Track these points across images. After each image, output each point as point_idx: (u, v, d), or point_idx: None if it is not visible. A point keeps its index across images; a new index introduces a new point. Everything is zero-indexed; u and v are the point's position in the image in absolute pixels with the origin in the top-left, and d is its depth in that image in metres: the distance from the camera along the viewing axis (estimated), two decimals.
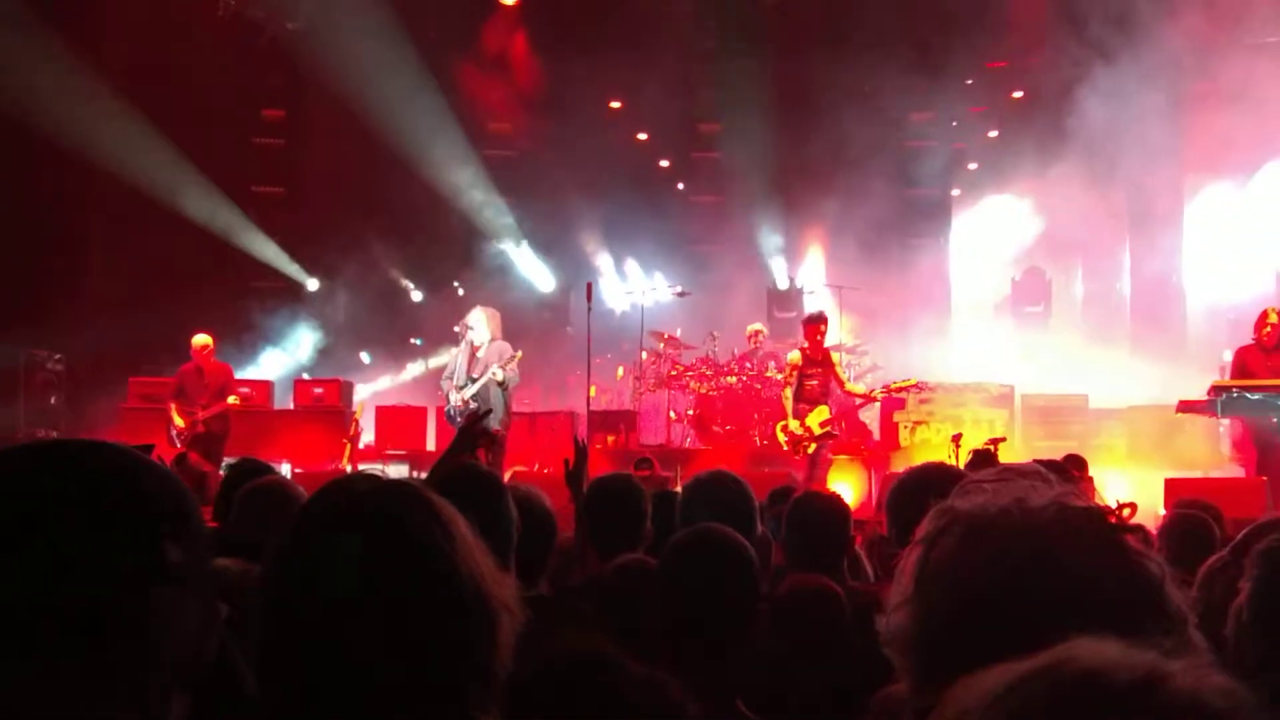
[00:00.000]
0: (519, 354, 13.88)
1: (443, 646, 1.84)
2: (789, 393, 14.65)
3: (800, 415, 14.50)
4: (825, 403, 14.53)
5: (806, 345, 14.61)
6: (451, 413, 13.95)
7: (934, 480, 3.51)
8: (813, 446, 14.41)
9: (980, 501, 1.72)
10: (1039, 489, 1.73)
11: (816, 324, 14.58)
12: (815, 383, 14.54)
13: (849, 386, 15.12)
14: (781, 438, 14.77)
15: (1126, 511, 1.72)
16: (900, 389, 15.02)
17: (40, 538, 1.61)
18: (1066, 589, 1.59)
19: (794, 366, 14.68)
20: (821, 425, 14.41)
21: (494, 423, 13.59)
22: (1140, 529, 1.69)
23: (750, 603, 3.51)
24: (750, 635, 3.46)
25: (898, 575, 1.76)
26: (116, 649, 1.63)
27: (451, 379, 14.03)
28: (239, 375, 17.08)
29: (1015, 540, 1.65)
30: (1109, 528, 1.68)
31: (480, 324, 13.89)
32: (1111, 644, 1.19)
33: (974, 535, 1.68)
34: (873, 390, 15.20)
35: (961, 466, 8.51)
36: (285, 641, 1.85)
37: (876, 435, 18.33)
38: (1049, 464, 3.60)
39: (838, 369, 15.00)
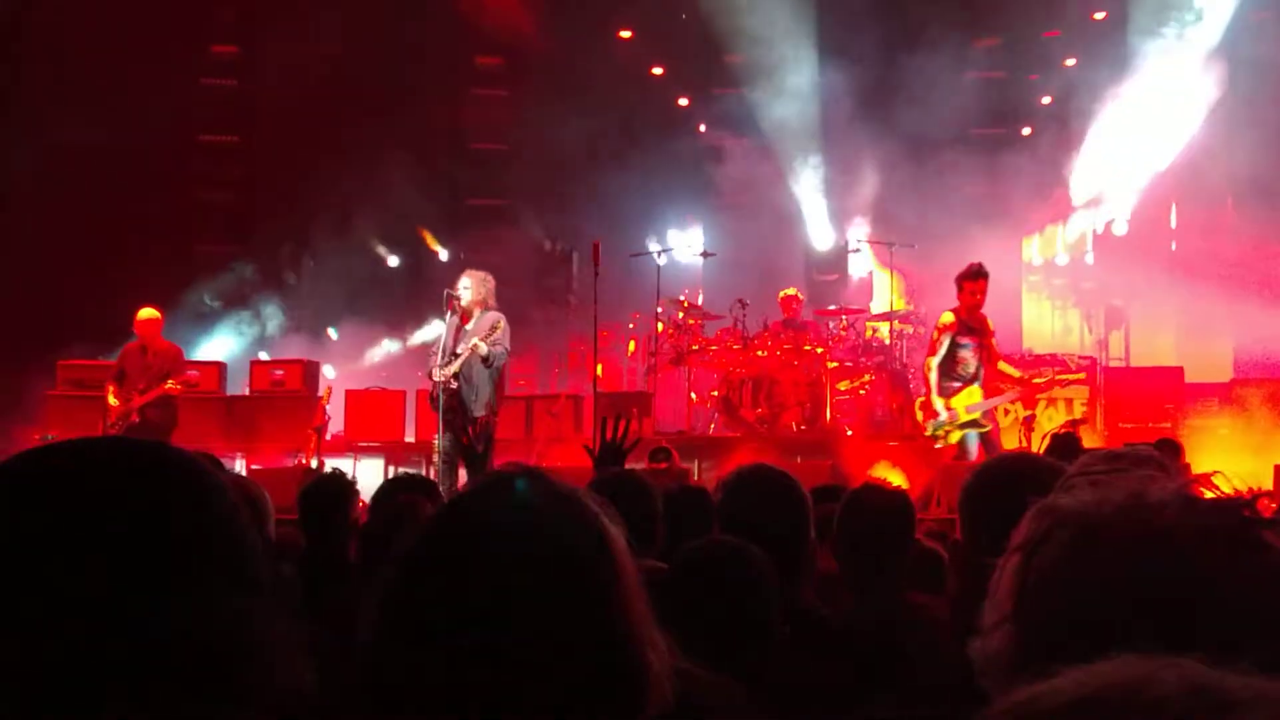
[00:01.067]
0: (500, 322, 13.73)
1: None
2: (933, 362, 13.78)
3: (947, 394, 13.69)
4: (979, 382, 13.71)
5: (959, 305, 13.72)
6: (433, 393, 13.87)
7: (1024, 473, 3.39)
8: (956, 435, 13.65)
9: (1090, 498, 1.67)
10: (1158, 480, 1.68)
11: (975, 280, 13.59)
12: (970, 354, 13.65)
13: (1002, 366, 14.00)
14: (925, 422, 14.19)
15: (1263, 502, 1.63)
16: (1069, 381, 14.05)
17: (117, 556, 1.60)
18: (1201, 599, 1.54)
19: (945, 329, 13.71)
20: (969, 410, 13.59)
21: (478, 408, 13.55)
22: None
23: (762, 637, 3.51)
24: (762, 667, 3.43)
25: (992, 590, 1.71)
26: (222, 684, 1.63)
27: (437, 354, 13.96)
28: (188, 358, 17.04)
29: (1136, 543, 1.60)
30: (1246, 523, 1.61)
31: (468, 290, 13.79)
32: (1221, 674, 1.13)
33: (1086, 539, 1.62)
34: (1030, 376, 14.15)
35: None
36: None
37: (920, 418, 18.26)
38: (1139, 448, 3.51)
39: (992, 341, 13.99)
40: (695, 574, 3.55)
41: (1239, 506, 1.63)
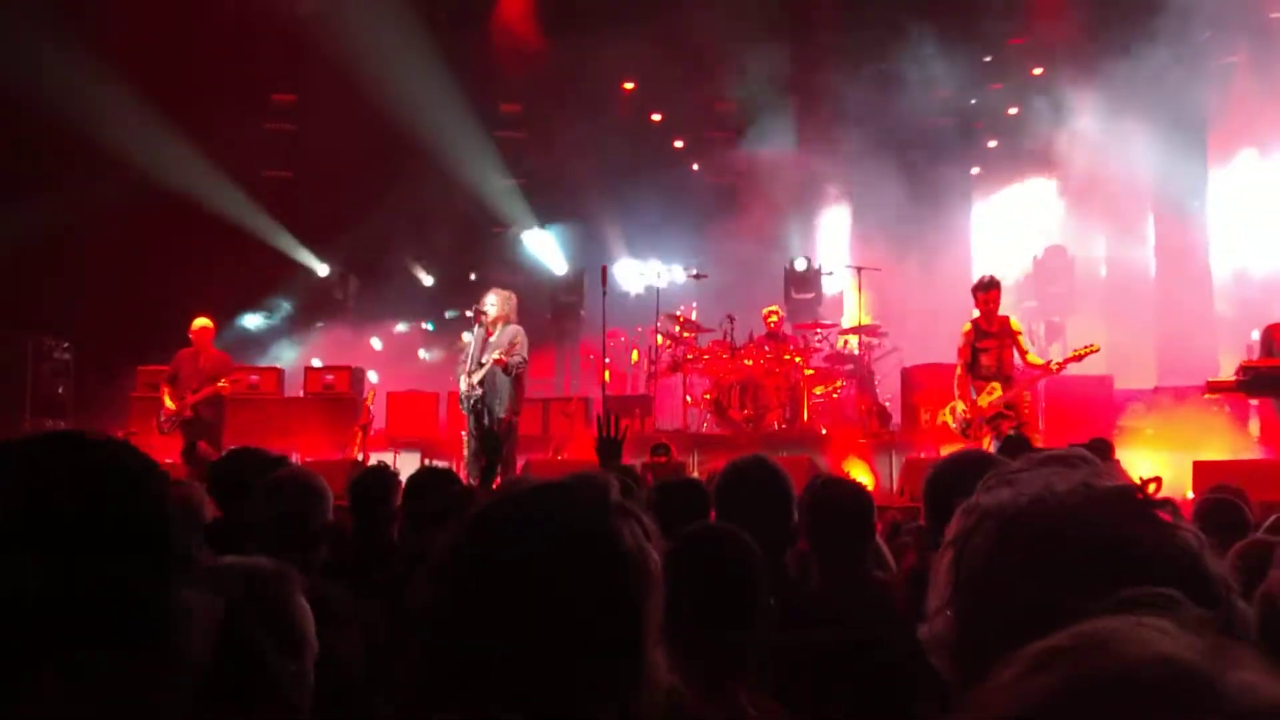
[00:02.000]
0: (520, 335, 13.81)
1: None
2: (959, 368, 13.84)
3: (967, 396, 13.68)
4: (998, 379, 13.57)
5: (977, 314, 13.70)
6: (463, 398, 13.95)
7: (973, 469, 3.40)
8: (986, 437, 13.42)
9: (1006, 495, 1.70)
10: (1063, 474, 1.71)
11: (987, 290, 13.62)
12: (988, 356, 13.60)
13: (1030, 358, 13.76)
14: (949, 420, 14.07)
15: (1153, 487, 1.69)
16: (1082, 355, 13.86)
17: (64, 535, 1.60)
18: (1106, 571, 1.56)
19: (964, 336, 13.77)
20: (991, 406, 13.51)
21: (500, 409, 13.62)
22: (1169, 502, 1.67)
23: (752, 610, 3.50)
24: (756, 637, 3.44)
25: (933, 579, 1.74)
26: (142, 653, 1.62)
27: (465, 363, 14.01)
28: (249, 364, 17.09)
29: (1047, 528, 1.63)
30: (1139, 503, 1.66)
31: (493, 307, 13.86)
32: (1148, 625, 1.12)
33: (1005, 530, 1.66)
34: (1050, 361, 13.97)
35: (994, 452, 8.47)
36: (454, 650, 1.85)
37: (897, 418, 18.28)
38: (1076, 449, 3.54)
39: (1020, 339, 13.79)
40: (694, 553, 3.50)
41: (1133, 491, 1.68)
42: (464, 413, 14.08)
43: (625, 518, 1.94)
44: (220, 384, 15.18)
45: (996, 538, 1.66)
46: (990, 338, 13.60)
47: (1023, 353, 13.63)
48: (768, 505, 4.68)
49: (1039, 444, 11.27)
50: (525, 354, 13.79)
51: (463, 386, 13.80)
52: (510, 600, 1.81)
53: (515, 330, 13.85)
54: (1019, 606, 1.58)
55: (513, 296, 14.15)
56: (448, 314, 23.91)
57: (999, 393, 13.44)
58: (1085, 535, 1.61)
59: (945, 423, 14.20)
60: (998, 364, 13.54)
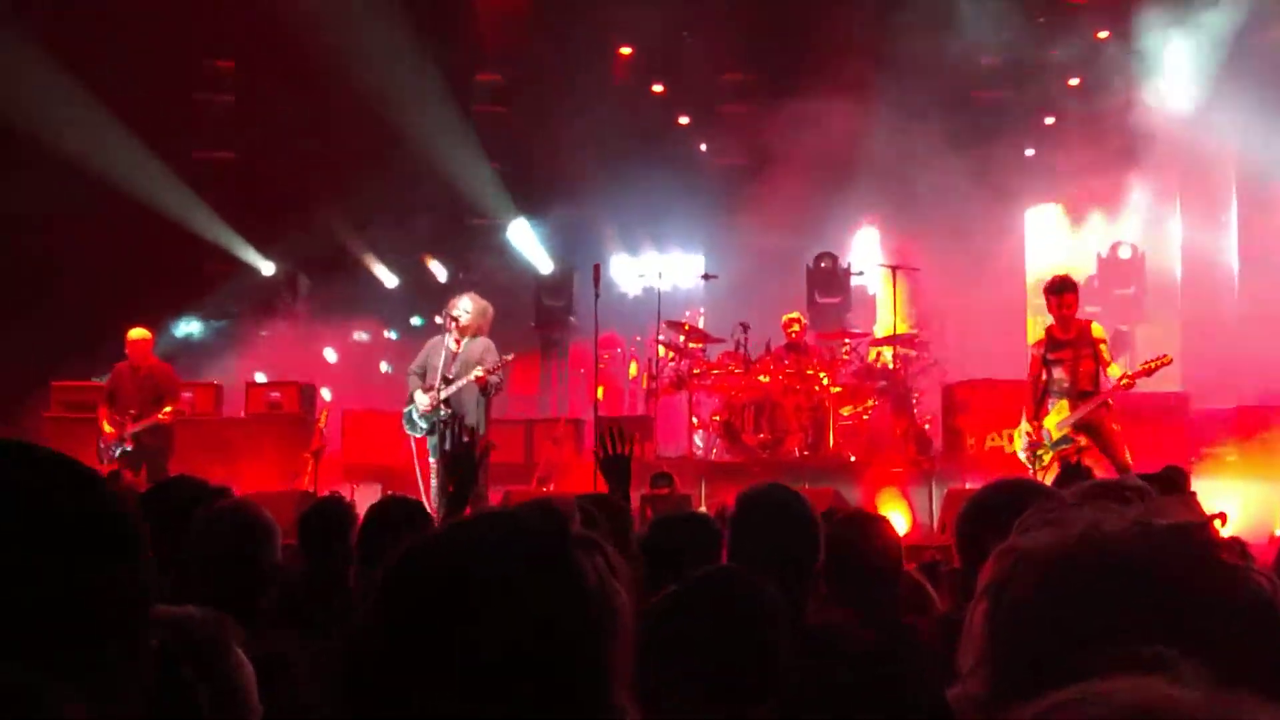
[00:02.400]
0: (493, 349, 13.88)
1: None
2: (1031, 383, 13.76)
3: (1032, 415, 13.59)
4: (1072, 396, 13.39)
5: (1052, 321, 13.63)
6: (413, 414, 13.96)
7: (1014, 501, 3.37)
8: (1048, 456, 13.38)
9: (1048, 536, 1.71)
10: (1114, 511, 1.72)
11: (1061, 293, 13.51)
12: (1063, 369, 13.48)
13: (1112, 370, 13.46)
14: (1016, 447, 14.03)
15: (1218, 523, 1.72)
16: (1153, 368, 13.17)
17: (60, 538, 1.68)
18: (1163, 623, 1.58)
19: (1034, 348, 13.75)
20: (1059, 427, 13.38)
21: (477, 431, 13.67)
22: (1238, 542, 1.69)
23: (771, 671, 3.42)
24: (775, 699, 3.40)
25: (966, 634, 1.75)
26: (121, 668, 1.69)
27: (421, 374, 14.03)
28: (181, 378, 17.06)
29: (1096, 575, 1.64)
30: (1202, 543, 1.67)
31: (466, 314, 13.89)
32: (1158, 684, 1.22)
33: (1047, 576, 1.67)
34: (1123, 375, 13.50)
35: (1049, 483, 8.50)
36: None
37: (939, 443, 18.32)
38: (1145, 479, 3.52)
39: (1102, 348, 13.52)
40: (701, 601, 3.46)
41: (1194, 529, 1.68)
42: (411, 435, 14.17)
43: (587, 550, 1.93)
44: (160, 414, 15.24)
45: (1036, 586, 1.67)
46: (1065, 347, 13.48)
47: (1103, 364, 13.45)
48: (786, 541, 4.69)
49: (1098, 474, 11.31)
50: (503, 379, 13.92)
51: (421, 404, 13.82)
52: (452, 645, 1.80)
53: (488, 345, 13.90)
54: (1063, 665, 1.55)
55: (490, 309, 14.20)
56: (414, 320, 23.95)
57: (1066, 412, 13.37)
58: (1138, 582, 1.62)
59: (1014, 451, 14.13)
60: (1073, 378, 13.41)
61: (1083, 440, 13.32)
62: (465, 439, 5.66)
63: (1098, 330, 13.66)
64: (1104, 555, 1.66)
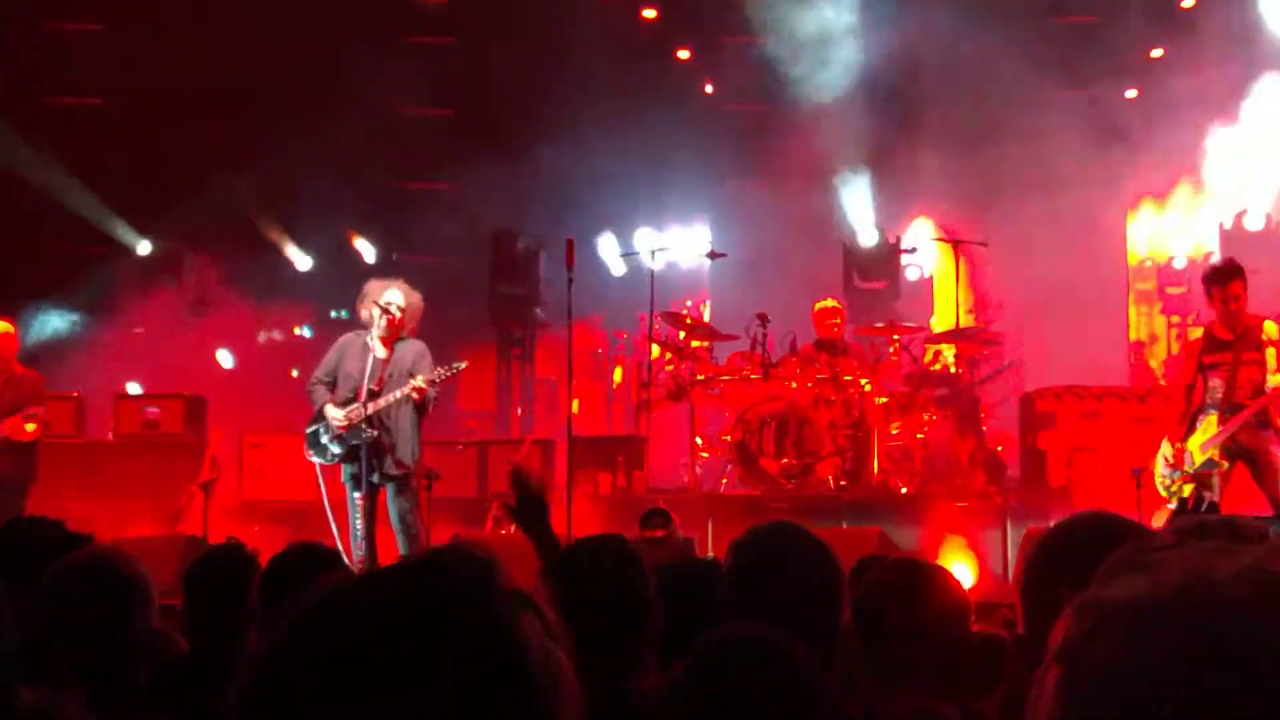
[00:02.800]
0: (462, 365, 13.90)
1: None
2: (1183, 392, 13.79)
3: (1178, 435, 13.55)
4: (1224, 409, 13.34)
5: (1215, 317, 13.56)
6: (321, 436, 13.91)
7: (1094, 543, 3.31)
8: (1188, 488, 13.33)
9: (1140, 584, 1.68)
10: (1228, 552, 1.69)
11: (1226, 281, 13.44)
12: (1219, 375, 13.44)
13: (1272, 380, 13.30)
14: (1158, 474, 13.84)
15: None
16: None
17: None
18: None
19: (1188, 349, 13.83)
20: (1203, 449, 13.34)
21: (406, 458, 13.71)
22: None
23: None
24: None
25: (1033, 709, 1.73)
26: None
27: (330, 384, 13.99)
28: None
29: (1201, 631, 1.60)
30: None
31: (400, 310, 13.86)
32: None
33: (1139, 634, 1.63)
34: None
35: (1153, 522, 8.52)
36: None
37: (1015, 469, 18.34)
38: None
39: (1271, 352, 13.40)
40: (721, 681, 3.45)
41: None
42: (317, 462, 14.16)
43: (523, 610, 1.91)
44: (29, 427, 15.11)
45: (1124, 647, 1.63)
46: (1225, 349, 13.46)
47: (1272, 371, 13.29)
48: (803, 595, 4.75)
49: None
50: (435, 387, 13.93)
51: (335, 420, 13.77)
52: None
53: (422, 349, 13.94)
54: None
55: (420, 301, 14.22)
56: (334, 313, 23.91)
57: (1214, 429, 13.34)
58: (1252, 643, 1.58)
59: (1158, 482, 14.02)
60: (1228, 387, 13.39)
61: (1225, 465, 13.29)
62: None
63: (1271, 330, 13.49)
64: (1210, 609, 1.62)
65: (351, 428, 13.62)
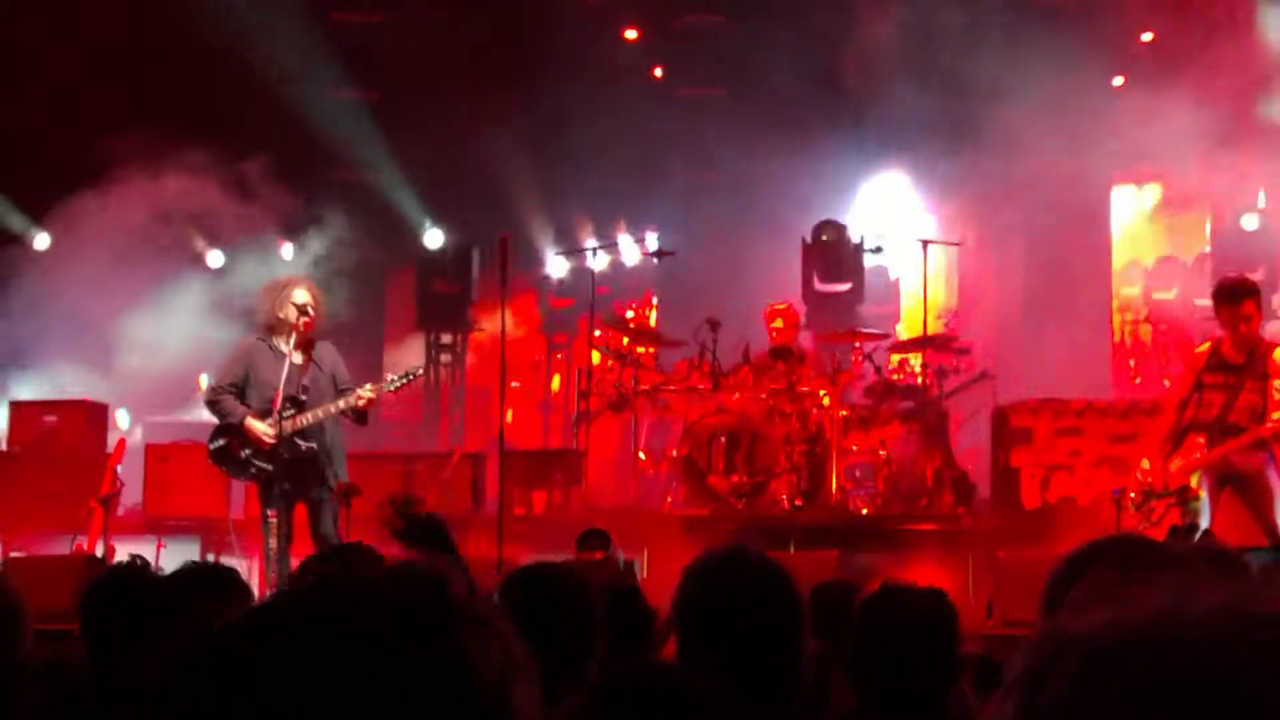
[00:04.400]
0: (419, 371, 13.93)
1: None
2: (1177, 407, 13.80)
3: (1160, 453, 13.65)
4: (1217, 431, 13.39)
5: (1225, 336, 13.51)
6: (240, 450, 13.86)
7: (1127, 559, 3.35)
8: (1158, 508, 13.45)
9: (1105, 617, 1.69)
10: (1203, 586, 1.69)
11: (1237, 301, 13.39)
12: (1216, 395, 13.48)
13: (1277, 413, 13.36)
14: (1133, 492, 13.91)
15: None
16: None
17: None
18: None
19: (1189, 363, 13.89)
20: (1183, 471, 13.45)
21: (342, 474, 13.71)
22: None
23: None
24: None
25: None
26: None
27: (238, 391, 13.94)
28: None
29: (1168, 672, 1.60)
30: None
31: (311, 310, 13.85)
32: None
33: (1094, 674, 1.64)
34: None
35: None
36: None
37: (985, 489, 18.39)
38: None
39: (1276, 383, 13.40)
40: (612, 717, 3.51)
41: None
42: (240, 478, 14.15)
43: (478, 633, 1.85)
44: None
45: (1078, 687, 1.64)
46: (1229, 371, 13.46)
47: (1273, 405, 13.26)
48: (760, 628, 4.73)
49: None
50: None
51: (261, 434, 13.73)
52: None
53: (335, 351, 14.01)
54: None
55: (321, 296, 14.24)
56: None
57: (1199, 451, 13.44)
58: (1218, 691, 1.58)
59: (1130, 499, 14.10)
60: (1223, 409, 13.43)
61: (1202, 493, 13.35)
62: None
63: (1279, 357, 13.49)
64: (1175, 648, 1.61)
65: (281, 441, 13.57)
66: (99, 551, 15.52)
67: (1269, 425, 13.15)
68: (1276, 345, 13.65)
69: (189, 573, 6.43)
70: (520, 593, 5.24)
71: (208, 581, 6.22)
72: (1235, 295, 13.40)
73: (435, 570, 1.88)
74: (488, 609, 1.88)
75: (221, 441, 13.98)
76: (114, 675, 6.12)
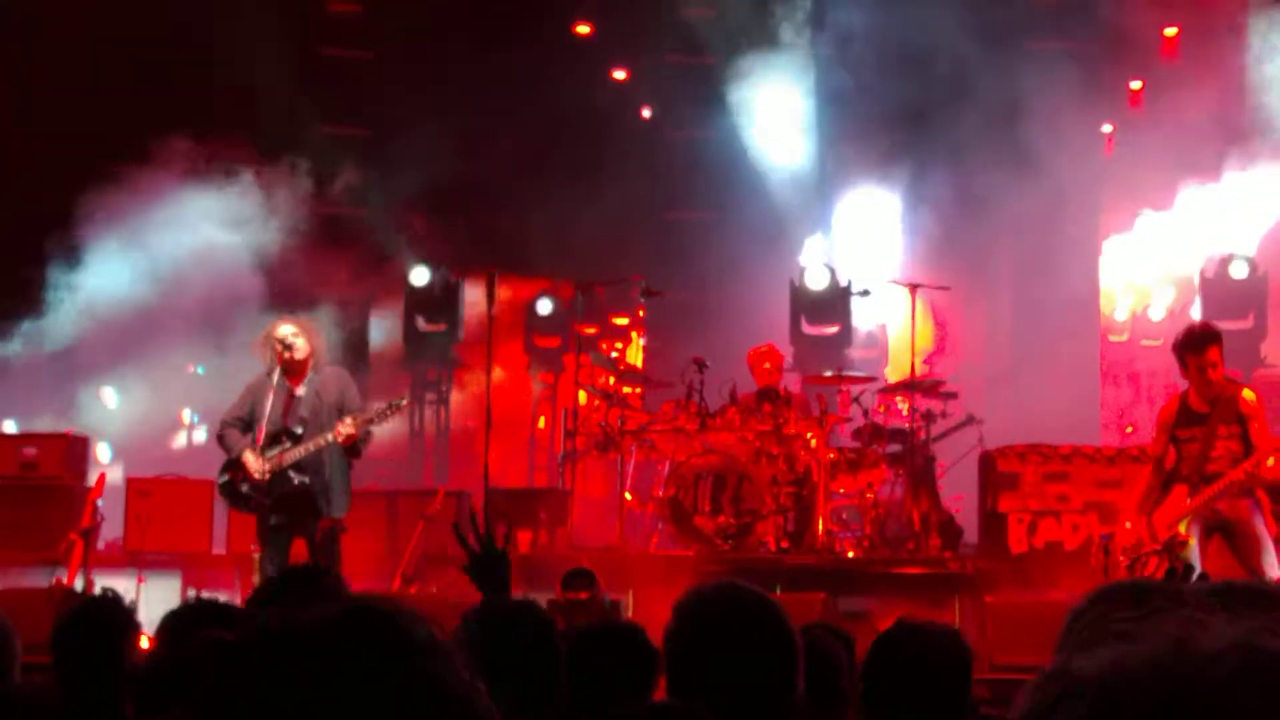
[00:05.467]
0: (404, 402, 13.87)
1: None
2: (1155, 464, 13.78)
3: (1142, 509, 13.58)
4: (1192, 482, 13.31)
5: (1190, 386, 13.51)
6: (240, 484, 13.84)
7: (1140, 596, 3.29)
8: (1154, 561, 13.24)
9: (1112, 655, 1.65)
10: (1210, 624, 1.68)
11: (1201, 349, 13.32)
12: (1193, 448, 13.39)
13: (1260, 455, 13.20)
14: (1121, 549, 13.77)
15: None
16: None
17: None
18: None
19: (1162, 418, 13.81)
20: (1169, 526, 13.36)
21: (337, 509, 13.65)
22: None
23: None
24: None
25: None
26: None
27: (245, 425, 13.92)
28: None
29: (1180, 713, 1.58)
30: None
31: (299, 339, 13.82)
32: None
33: (1105, 712, 1.61)
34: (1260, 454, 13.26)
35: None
36: None
37: (972, 534, 18.35)
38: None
39: (1253, 426, 13.34)
40: None
41: None
42: (242, 511, 14.09)
43: (442, 660, 1.94)
44: None
45: None
46: (1199, 422, 13.40)
47: (1259, 449, 13.14)
48: (753, 665, 4.66)
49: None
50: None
51: (253, 465, 13.70)
52: None
53: (344, 376, 13.94)
54: None
55: (316, 328, 14.20)
56: (195, 369, 23.74)
57: (1184, 502, 13.36)
58: None
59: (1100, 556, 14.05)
60: (1201, 459, 13.35)
61: (1191, 540, 13.29)
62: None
63: (1249, 399, 13.50)
64: (1186, 688, 1.59)
65: (275, 475, 13.53)
66: (79, 585, 15.44)
67: (1241, 468, 13.10)
68: (1243, 387, 13.76)
69: (190, 609, 6.37)
70: (477, 628, 5.19)
71: (209, 615, 6.15)
72: (1201, 343, 13.35)
73: (399, 606, 1.98)
74: (432, 640, 1.94)
75: (226, 476, 13.97)
76: (87, 709, 6.05)
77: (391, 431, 18.41)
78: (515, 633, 5.12)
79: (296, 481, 13.44)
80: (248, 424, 13.88)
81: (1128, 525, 13.70)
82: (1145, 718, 1.59)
